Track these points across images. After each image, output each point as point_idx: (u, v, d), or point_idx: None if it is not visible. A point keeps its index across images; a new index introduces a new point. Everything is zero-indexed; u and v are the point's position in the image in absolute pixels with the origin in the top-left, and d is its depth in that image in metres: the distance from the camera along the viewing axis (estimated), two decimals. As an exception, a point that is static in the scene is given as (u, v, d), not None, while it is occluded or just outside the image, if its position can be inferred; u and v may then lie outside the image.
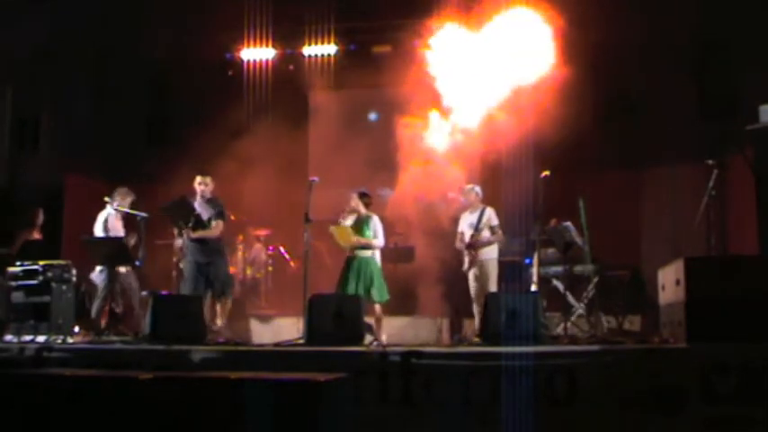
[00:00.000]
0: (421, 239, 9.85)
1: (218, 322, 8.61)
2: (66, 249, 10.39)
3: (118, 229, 9.16)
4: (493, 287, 8.70)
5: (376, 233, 8.78)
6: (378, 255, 8.84)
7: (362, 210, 8.87)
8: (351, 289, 8.59)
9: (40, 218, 9.41)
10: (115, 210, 9.14)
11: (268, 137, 10.46)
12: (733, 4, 9.94)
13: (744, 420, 5.44)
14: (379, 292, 8.65)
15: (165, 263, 9.95)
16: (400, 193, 9.54)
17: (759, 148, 7.54)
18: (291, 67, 12.38)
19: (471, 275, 8.93)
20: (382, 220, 8.99)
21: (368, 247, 8.76)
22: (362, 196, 8.97)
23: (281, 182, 9.95)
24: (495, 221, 8.91)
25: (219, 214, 8.83)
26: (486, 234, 8.87)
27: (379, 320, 8.71)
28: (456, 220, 9.30)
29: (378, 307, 8.71)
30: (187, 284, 8.63)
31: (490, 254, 8.91)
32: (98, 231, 9.11)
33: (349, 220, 8.85)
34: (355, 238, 8.74)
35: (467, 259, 8.93)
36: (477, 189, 9.08)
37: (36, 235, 9.37)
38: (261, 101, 11.75)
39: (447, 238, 9.38)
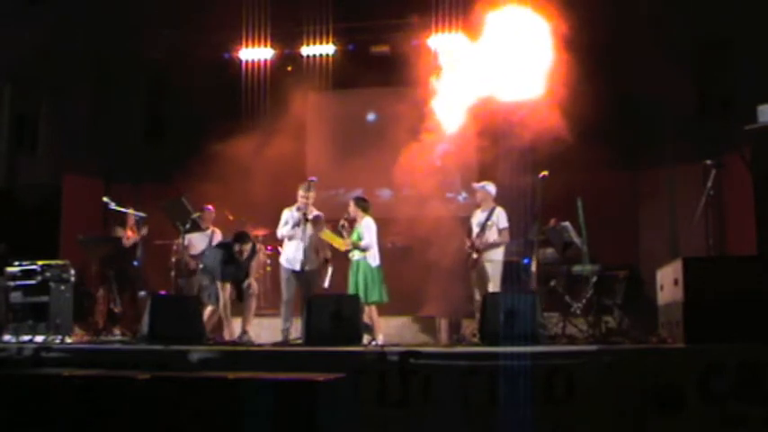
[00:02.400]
0: (419, 239, 9.83)
1: (248, 328, 8.58)
2: (64, 249, 10.38)
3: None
4: (494, 289, 8.69)
5: (362, 235, 8.80)
6: (371, 256, 8.81)
7: (356, 214, 8.95)
8: (350, 291, 8.68)
9: (131, 220, 9.60)
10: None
11: (266, 137, 10.44)
12: (733, 3, 9.93)
13: (742, 420, 5.45)
14: (369, 294, 8.64)
15: (164, 263, 9.94)
16: (398, 193, 9.53)
17: (757, 148, 7.53)
18: (290, 67, 12.38)
19: (474, 276, 8.93)
20: (379, 222, 9.01)
21: (357, 249, 8.79)
22: (358, 201, 9.04)
23: (279, 182, 9.93)
24: (503, 224, 8.83)
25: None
26: (491, 234, 8.84)
27: (372, 322, 8.70)
28: (457, 219, 9.29)
29: (370, 309, 8.67)
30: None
31: (494, 255, 8.89)
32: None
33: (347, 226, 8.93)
34: (343, 242, 8.82)
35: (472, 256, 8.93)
36: (489, 187, 8.97)
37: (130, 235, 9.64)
38: (259, 101, 11.74)
39: (445, 238, 9.36)
